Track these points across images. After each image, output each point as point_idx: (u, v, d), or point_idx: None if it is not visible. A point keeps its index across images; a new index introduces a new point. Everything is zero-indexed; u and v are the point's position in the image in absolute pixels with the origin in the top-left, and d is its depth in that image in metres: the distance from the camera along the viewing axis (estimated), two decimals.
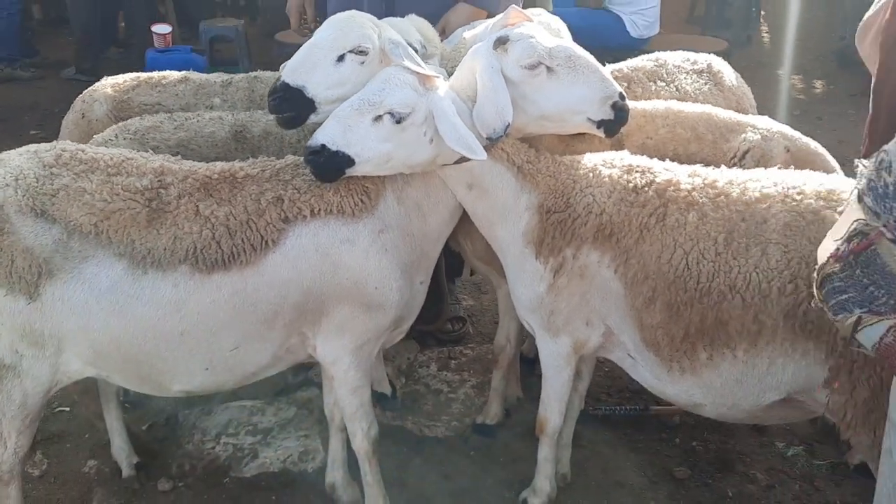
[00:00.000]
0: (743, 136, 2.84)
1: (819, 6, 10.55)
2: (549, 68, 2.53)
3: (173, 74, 3.52)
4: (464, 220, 2.93)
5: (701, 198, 2.44)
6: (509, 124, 2.48)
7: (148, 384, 2.61)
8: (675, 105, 2.99)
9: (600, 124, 2.59)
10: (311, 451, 3.41)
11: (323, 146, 2.41)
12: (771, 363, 2.36)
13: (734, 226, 2.36)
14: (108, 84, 3.48)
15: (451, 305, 4.26)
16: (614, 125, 2.60)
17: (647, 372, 2.61)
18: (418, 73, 2.49)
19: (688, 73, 3.38)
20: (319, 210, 2.51)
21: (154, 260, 2.42)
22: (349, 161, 2.44)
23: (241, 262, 2.45)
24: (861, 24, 3.22)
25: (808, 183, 2.40)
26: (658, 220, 2.45)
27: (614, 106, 2.56)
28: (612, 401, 3.74)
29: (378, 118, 2.44)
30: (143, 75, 3.54)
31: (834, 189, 2.35)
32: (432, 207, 2.70)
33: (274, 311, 2.52)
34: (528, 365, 3.80)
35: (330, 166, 2.44)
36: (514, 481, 3.22)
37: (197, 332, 2.48)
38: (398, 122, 2.43)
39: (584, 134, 2.75)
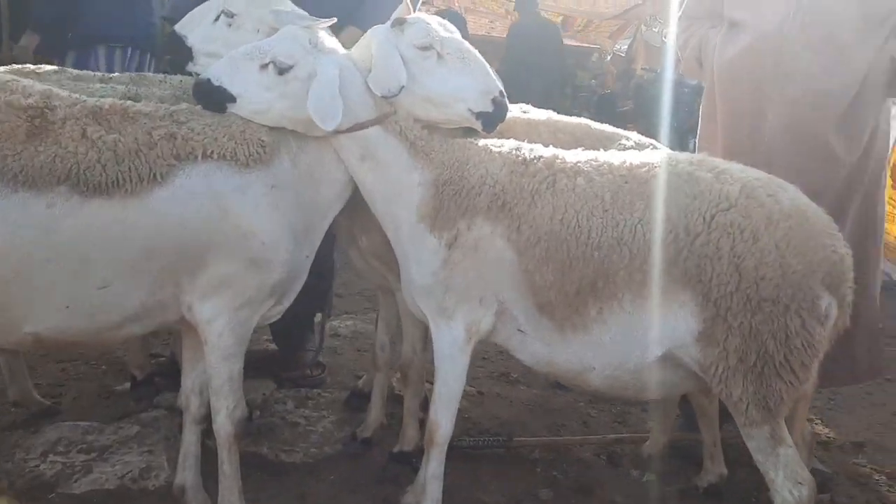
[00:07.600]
0: (618, 143, 3.13)
1: None
2: (439, 54, 2.74)
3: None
4: (360, 215, 2.98)
5: (586, 167, 2.64)
6: (403, 87, 2.63)
7: None
8: (554, 115, 3.27)
9: (479, 116, 2.75)
10: (154, 468, 3.07)
11: (209, 80, 2.57)
12: (653, 314, 2.49)
13: (619, 186, 2.56)
14: None
15: (308, 353, 4.16)
16: (492, 119, 2.76)
17: (539, 341, 2.67)
18: (317, 30, 2.65)
19: None
20: (212, 153, 2.49)
21: (27, 178, 2.27)
22: (231, 98, 2.59)
23: (125, 191, 2.36)
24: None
25: (682, 155, 2.71)
26: (549, 186, 2.60)
27: (494, 101, 2.74)
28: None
29: (264, 66, 2.59)
30: None
31: (704, 159, 2.66)
32: (324, 177, 2.75)
33: (152, 248, 2.41)
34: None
35: (212, 97, 2.59)
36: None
37: (66, 260, 2.31)
38: (280, 73, 2.57)
39: None
